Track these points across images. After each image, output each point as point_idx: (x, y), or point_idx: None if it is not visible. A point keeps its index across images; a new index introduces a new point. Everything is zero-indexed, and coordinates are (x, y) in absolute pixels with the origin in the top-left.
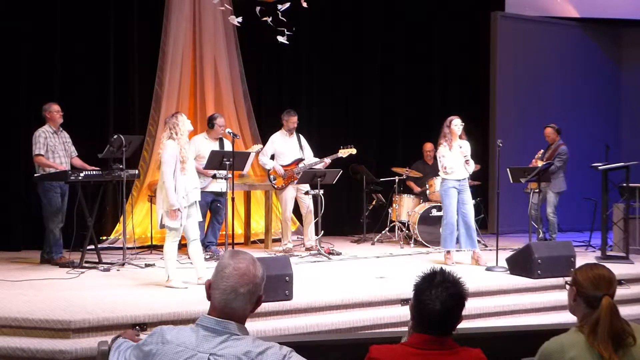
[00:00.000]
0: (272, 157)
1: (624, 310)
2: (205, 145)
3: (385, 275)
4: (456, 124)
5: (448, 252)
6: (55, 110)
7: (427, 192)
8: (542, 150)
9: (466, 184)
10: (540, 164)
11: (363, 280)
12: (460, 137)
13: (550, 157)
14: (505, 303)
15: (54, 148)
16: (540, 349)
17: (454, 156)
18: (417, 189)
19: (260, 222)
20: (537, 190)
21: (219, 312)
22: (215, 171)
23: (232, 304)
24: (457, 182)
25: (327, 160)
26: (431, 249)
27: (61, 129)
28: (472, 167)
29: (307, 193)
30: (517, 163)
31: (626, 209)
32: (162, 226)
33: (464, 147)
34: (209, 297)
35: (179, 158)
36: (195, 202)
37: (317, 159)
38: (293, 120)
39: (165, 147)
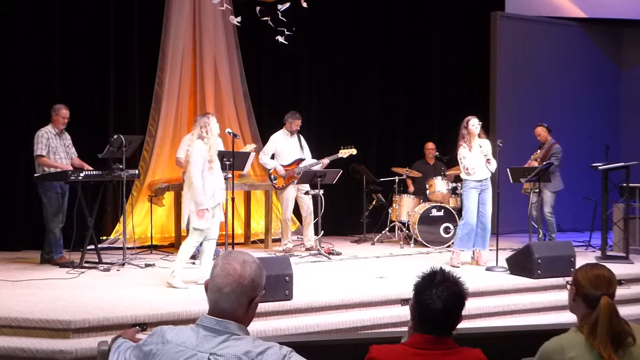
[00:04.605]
0: (273, 157)
1: (624, 310)
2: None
3: (385, 275)
4: (474, 124)
5: (458, 252)
6: (62, 115)
7: (427, 192)
8: (538, 151)
9: (488, 184)
10: (536, 164)
11: (363, 280)
12: (479, 136)
13: (544, 157)
14: (505, 303)
15: (56, 149)
16: (540, 349)
17: (475, 156)
18: (411, 188)
19: (260, 222)
20: (537, 190)
21: (211, 312)
22: None
23: (220, 303)
24: (478, 182)
25: (325, 161)
26: (431, 249)
27: (64, 130)
28: (493, 165)
29: (307, 193)
30: (517, 163)
31: (626, 209)
32: (188, 227)
33: (484, 147)
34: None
35: (207, 158)
36: (220, 202)
37: (314, 160)
38: (297, 123)
39: (195, 147)
